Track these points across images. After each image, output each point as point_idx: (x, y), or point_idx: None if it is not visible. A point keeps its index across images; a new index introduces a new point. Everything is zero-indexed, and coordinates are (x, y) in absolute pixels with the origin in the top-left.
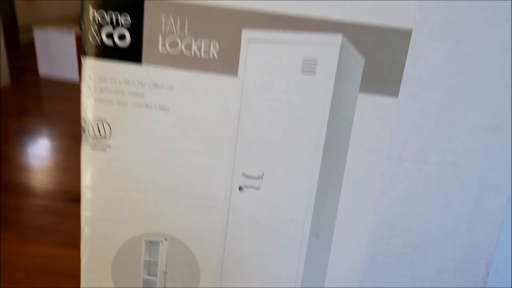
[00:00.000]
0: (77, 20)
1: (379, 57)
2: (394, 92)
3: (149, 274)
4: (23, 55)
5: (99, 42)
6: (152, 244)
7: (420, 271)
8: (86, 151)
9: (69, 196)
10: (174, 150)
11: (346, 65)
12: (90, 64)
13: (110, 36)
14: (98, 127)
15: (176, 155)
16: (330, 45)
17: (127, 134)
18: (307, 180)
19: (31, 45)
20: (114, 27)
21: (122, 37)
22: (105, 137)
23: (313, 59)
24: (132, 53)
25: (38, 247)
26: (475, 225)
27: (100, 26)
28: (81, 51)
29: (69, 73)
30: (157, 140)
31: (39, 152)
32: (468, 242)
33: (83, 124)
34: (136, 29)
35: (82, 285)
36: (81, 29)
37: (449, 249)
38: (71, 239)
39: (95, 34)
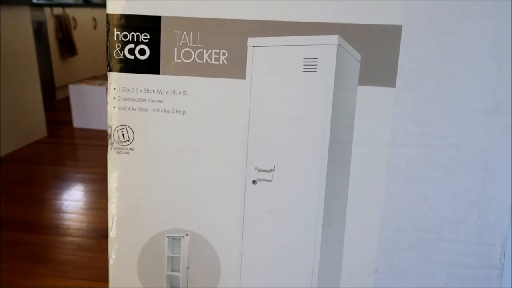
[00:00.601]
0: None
1: (374, 52)
2: (391, 83)
3: (172, 270)
4: (59, 110)
5: (122, 57)
6: (174, 240)
7: (435, 254)
8: (112, 155)
9: (101, 233)
10: (191, 149)
11: (344, 61)
12: (115, 77)
13: (131, 51)
14: (123, 133)
15: (193, 154)
16: (328, 45)
17: (148, 137)
18: (316, 171)
19: (66, 101)
20: (135, 44)
21: (142, 52)
22: (129, 141)
23: (313, 58)
24: (151, 65)
25: (72, 282)
26: (485, 206)
27: (123, 44)
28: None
29: (101, 124)
30: (176, 141)
31: (73, 194)
32: (480, 223)
33: (108, 130)
34: (154, 44)
35: (110, 283)
36: (106, 48)
37: (462, 231)
38: (102, 274)
39: (118, 51)
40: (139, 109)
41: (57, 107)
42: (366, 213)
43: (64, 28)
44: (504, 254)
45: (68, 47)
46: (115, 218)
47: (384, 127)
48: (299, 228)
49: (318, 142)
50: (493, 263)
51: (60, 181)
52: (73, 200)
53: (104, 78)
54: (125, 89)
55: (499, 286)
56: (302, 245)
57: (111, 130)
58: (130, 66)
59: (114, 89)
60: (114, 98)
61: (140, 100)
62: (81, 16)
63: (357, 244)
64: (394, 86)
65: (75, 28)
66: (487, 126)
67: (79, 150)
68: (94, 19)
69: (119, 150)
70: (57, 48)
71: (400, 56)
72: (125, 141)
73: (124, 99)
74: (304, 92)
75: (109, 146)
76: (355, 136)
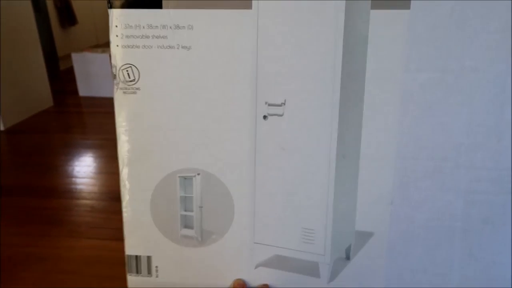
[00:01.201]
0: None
1: None
2: (405, 5)
3: (185, 210)
4: (63, 80)
5: None
6: (186, 180)
7: (452, 183)
8: (118, 96)
9: (112, 196)
10: (198, 86)
11: None
12: (117, 14)
13: None
14: (128, 72)
15: (201, 91)
16: None
17: (154, 75)
18: (328, 102)
19: (70, 71)
20: None
21: None
22: (135, 80)
23: None
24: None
25: (87, 241)
26: (503, 131)
27: None
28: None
29: (106, 92)
30: (182, 78)
31: (83, 160)
32: (498, 149)
33: (113, 70)
34: None
35: (124, 224)
36: None
37: (479, 157)
38: (116, 233)
39: None
40: (143, 47)
41: (61, 77)
42: (381, 144)
43: None
44: None
45: (67, 16)
46: (125, 161)
47: (398, 52)
48: (312, 162)
49: (330, 72)
50: (511, 188)
51: (69, 148)
52: (84, 165)
53: (106, 46)
54: (127, 26)
55: None
56: (316, 178)
57: (116, 69)
58: (131, 1)
59: (116, 26)
60: (117, 36)
61: (144, 36)
62: None
63: (372, 176)
64: (408, 8)
65: None
66: (505, 46)
67: (86, 118)
68: None
69: (125, 90)
70: (57, 17)
71: None
72: (130, 81)
73: (127, 36)
74: (314, 20)
75: (115, 87)
76: (368, 63)
